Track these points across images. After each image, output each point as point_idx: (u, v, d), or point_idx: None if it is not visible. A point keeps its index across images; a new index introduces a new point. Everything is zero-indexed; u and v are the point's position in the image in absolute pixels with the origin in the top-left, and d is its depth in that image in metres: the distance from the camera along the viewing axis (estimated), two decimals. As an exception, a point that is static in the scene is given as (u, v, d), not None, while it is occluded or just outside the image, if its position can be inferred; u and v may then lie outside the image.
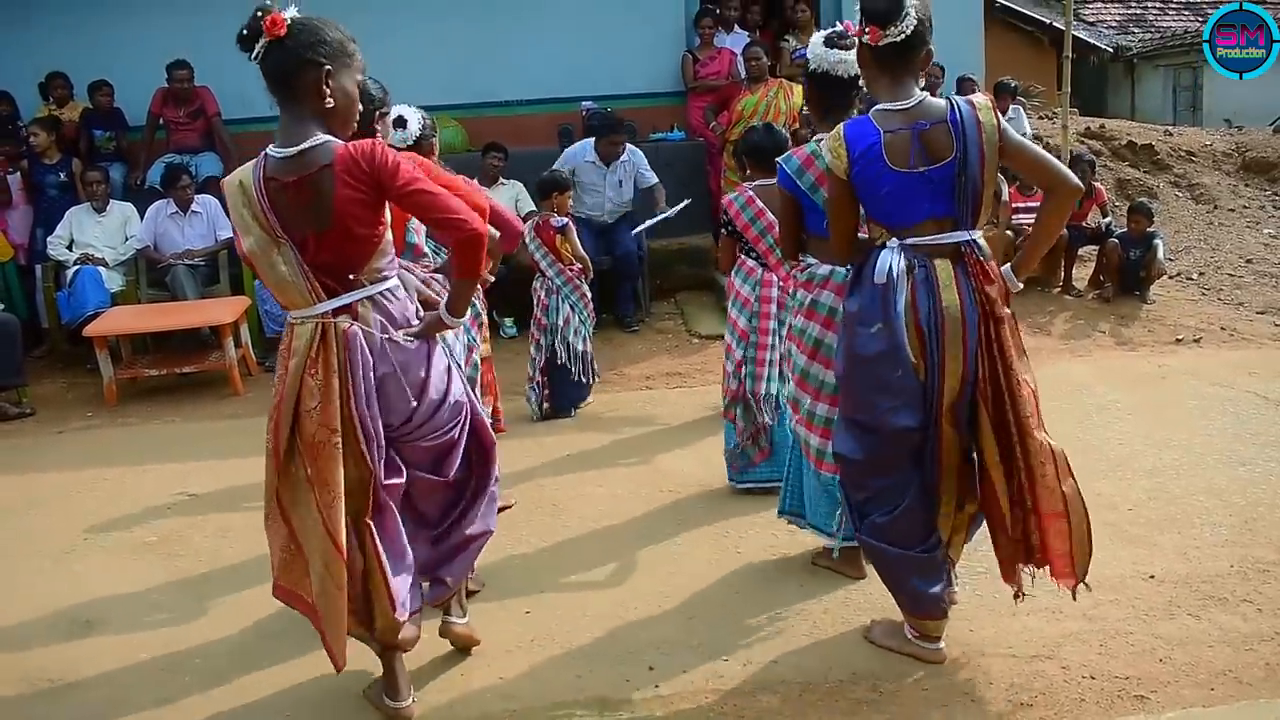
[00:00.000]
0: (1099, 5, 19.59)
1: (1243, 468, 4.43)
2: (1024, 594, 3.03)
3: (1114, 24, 19.28)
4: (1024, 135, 8.61)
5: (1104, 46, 17.76)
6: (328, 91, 2.48)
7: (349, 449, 2.55)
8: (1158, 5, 20.01)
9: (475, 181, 3.67)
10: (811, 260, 3.43)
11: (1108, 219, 7.90)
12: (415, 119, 3.74)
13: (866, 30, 2.71)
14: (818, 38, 3.35)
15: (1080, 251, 7.88)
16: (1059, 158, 9.04)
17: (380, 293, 2.61)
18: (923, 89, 2.81)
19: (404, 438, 2.69)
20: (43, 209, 7.57)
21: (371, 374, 2.56)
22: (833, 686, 2.94)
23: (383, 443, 2.61)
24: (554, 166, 6.55)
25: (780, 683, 2.97)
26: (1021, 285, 2.92)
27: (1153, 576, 3.49)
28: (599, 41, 8.43)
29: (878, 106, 2.77)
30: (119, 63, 7.96)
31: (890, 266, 2.73)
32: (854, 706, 2.84)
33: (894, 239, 2.77)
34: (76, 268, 7.02)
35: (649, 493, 4.50)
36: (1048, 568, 2.93)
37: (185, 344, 7.03)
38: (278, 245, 2.51)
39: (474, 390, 3.35)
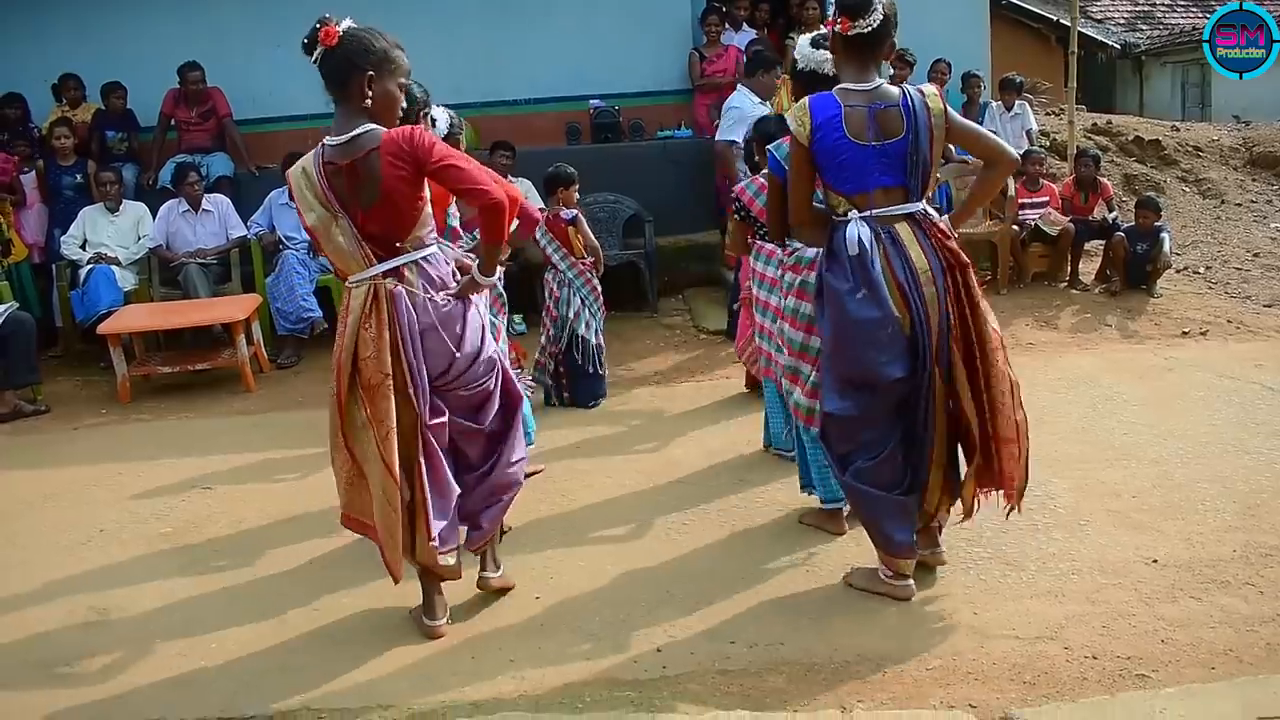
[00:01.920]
0: (1107, 2, 19.58)
1: (1248, 456, 4.45)
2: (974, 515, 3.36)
3: (1122, 21, 19.26)
4: (1030, 131, 8.67)
5: (1112, 44, 17.74)
6: (369, 93, 2.92)
7: (399, 395, 2.98)
8: (1166, 2, 19.98)
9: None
10: (798, 245, 3.72)
11: (1114, 213, 7.91)
12: (444, 118, 3.94)
13: (839, 20, 3.10)
14: (805, 39, 3.70)
15: (1086, 245, 7.89)
16: (1065, 153, 9.09)
17: (422, 258, 3.04)
18: (889, 78, 3.29)
19: (445, 387, 3.09)
20: (59, 209, 7.64)
21: (416, 327, 2.98)
22: (838, 667, 2.98)
23: (427, 388, 3.03)
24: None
25: (786, 663, 3.02)
26: (956, 234, 3.25)
27: (1156, 561, 3.53)
28: (606, 40, 8.46)
29: (840, 85, 3.14)
30: (130, 64, 8.03)
31: (859, 236, 3.07)
32: (859, 687, 2.89)
33: (853, 210, 3.10)
34: (90, 267, 7.09)
35: (656, 482, 4.55)
36: (998, 490, 3.27)
37: (198, 341, 7.10)
38: (335, 219, 2.95)
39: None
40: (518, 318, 7.34)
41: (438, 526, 3.08)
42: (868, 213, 3.10)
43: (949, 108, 3.17)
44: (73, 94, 8.07)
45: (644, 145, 8.28)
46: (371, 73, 2.91)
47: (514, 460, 3.29)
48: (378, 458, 2.98)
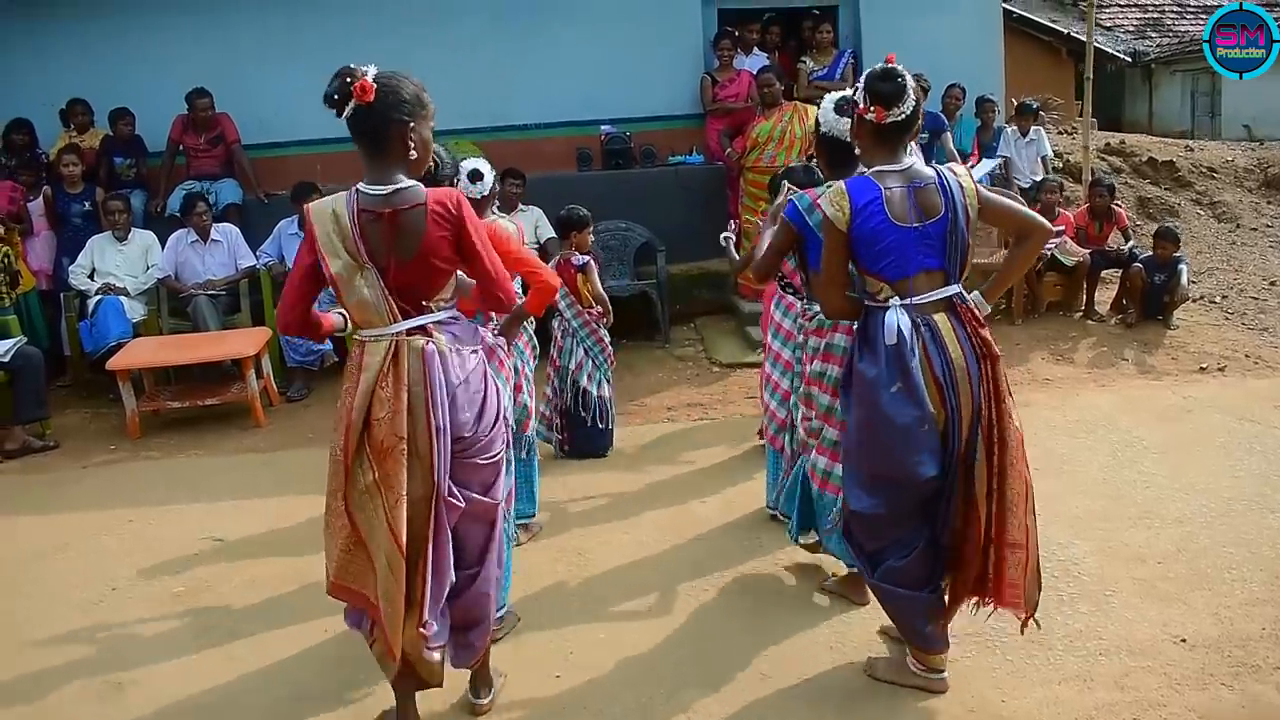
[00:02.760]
0: (1115, 10, 19.45)
1: (1272, 515, 4.41)
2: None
3: (1131, 29, 19.13)
4: (1045, 157, 8.60)
5: (1121, 55, 17.62)
6: (412, 144, 2.80)
7: (418, 461, 2.81)
8: (1175, 9, 19.85)
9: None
10: (816, 307, 3.65)
11: (1130, 242, 7.85)
12: (489, 173, 3.96)
13: (872, 109, 2.94)
14: (829, 102, 3.55)
15: (1101, 275, 7.83)
16: (1079, 176, 9.02)
17: (449, 316, 2.93)
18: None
19: (463, 454, 2.90)
20: (67, 237, 7.60)
21: (447, 389, 2.84)
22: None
23: (449, 457, 2.85)
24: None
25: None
26: (990, 308, 3.15)
27: (1184, 640, 3.48)
28: (617, 64, 8.40)
29: (877, 168, 3.01)
30: (138, 89, 7.99)
31: (899, 326, 2.94)
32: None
33: (895, 298, 2.97)
34: (99, 298, 7.05)
35: (674, 539, 4.50)
36: (990, 601, 3.12)
37: (207, 374, 7.05)
38: (362, 270, 2.78)
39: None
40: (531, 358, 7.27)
41: (433, 613, 2.88)
42: (908, 300, 2.97)
43: (979, 185, 3.10)
44: (80, 119, 8.01)
45: (656, 171, 8.22)
46: (412, 123, 2.78)
47: (496, 570, 3.11)
48: (384, 526, 2.79)
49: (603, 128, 8.36)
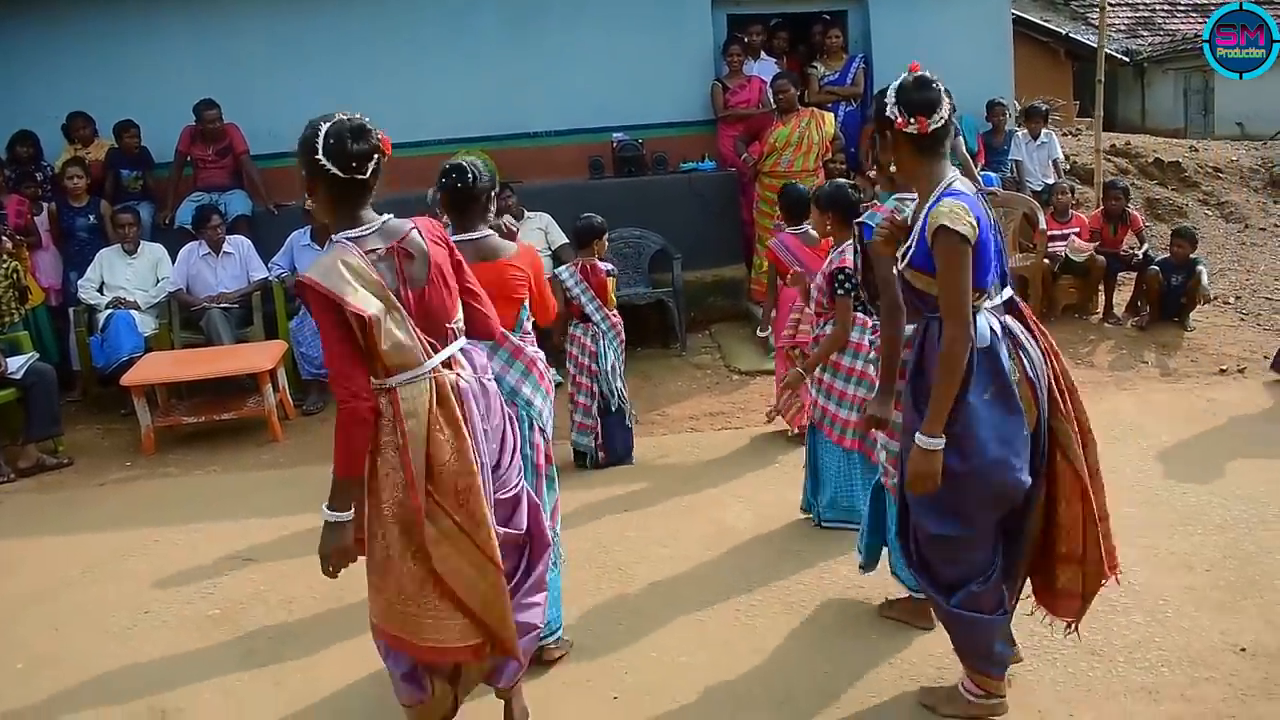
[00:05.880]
0: (1108, 9, 19.50)
1: (1312, 520, 4.40)
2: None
3: (1123, 27, 19.22)
4: (1055, 160, 8.60)
5: (1118, 55, 17.68)
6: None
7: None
8: (1165, 8, 19.95)
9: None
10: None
11: (1144, 245, 7.85)
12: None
13: (914, 121, 2.81)
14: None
15: (1118, 277, 7.82)
16: (1091, 180, 9.02)
17: (466, 343, 2.84)
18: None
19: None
20: (73, 251, 7.50)
21: (480, 424, 2.76)
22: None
23: (492, 492, 2.80)
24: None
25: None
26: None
27: (1244, 649, 3.45)
28: (628, 71, 8.34)
29: (950, 179, 2.86)
30: (143, 101, 7.89)
31: (987, 330, 2.85)
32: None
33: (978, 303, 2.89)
34: (109, 312, 6.96)
35: (712, 552, 4.46)
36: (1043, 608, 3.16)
37: (222, 387, 6.96)
38: (392, 310, 2.64)
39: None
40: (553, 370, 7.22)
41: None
42: (988, 304, 2.90)
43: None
44: (82, 133, 7.90)
45: (668, 178, 8.16)
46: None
47: (535, 590, 3.01)
48: (479, 558, 2.69)
49: (614, 135, 8.30)
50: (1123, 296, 7.85)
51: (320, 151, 2.58)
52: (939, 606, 3.08)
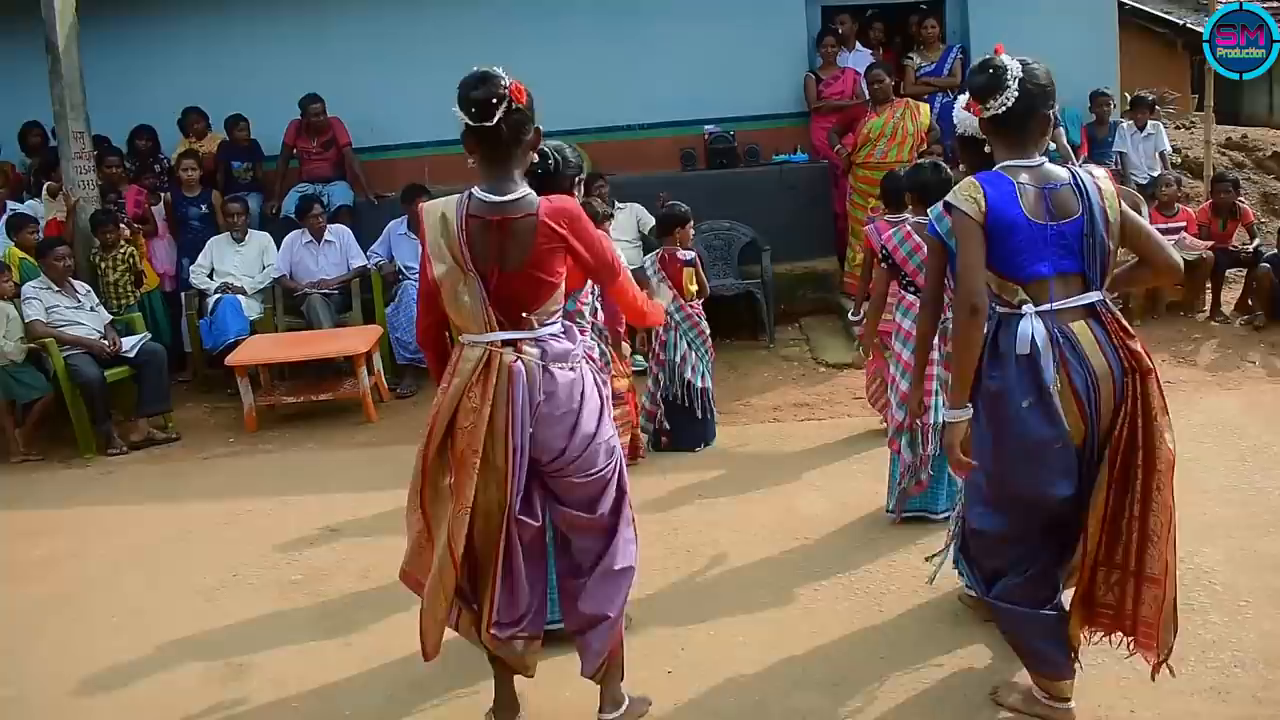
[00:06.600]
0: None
1: None
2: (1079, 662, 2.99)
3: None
4: (1163, 152, 8.30)
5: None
6: (532, 145, 2.78)
7: (493, 473, 2.74)
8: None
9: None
10: (948, 315, 3.41)
11: (1256, 240, 7.52)
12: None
13: (969, 104, 2.90)
14: (962, 101, 3.35)
15: (1226, 274, 7.51)
16: (1200, 172, 8.68)
17: (547, 334, 2.81)
18: (1045, 153, 2.84)
19: (559, 472, 2.84)
20: (186, 239, 7.91)
21: (529, 410, 2.74)
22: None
23: (524, 478, 2.79)
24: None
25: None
26: None
27: (1327, 654, 3.30)
28: (721, 63, 8.35)
29: (1006, 163, 2.82)
30: (253, 96, 8.25)
31: (1032, 336, 2.72)
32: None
33: (1028, 305, 2.75)
34: (218, 296, 7.31)
35: (783, 540, 4.44)
36: (1128, 638, 2.93)
37: (320, 370, 7.24)
38: (465, 276, 2.71)
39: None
40: (638, 357, 7.26)
41: (506, 615, 2.88)
42: (1045, 306, 2.73)
43: (1123, 202, 2.82)
44: (197, 127, 8.32)
45: (760, 170, 8.15)
46: (539, 126, 2.76)
47: (619, 568, 2.95)
48: (444, 537, 2.79)
49: (706, 127, 8.33)
50: (1232, 294, 7.53)
51: (456, 99, 2.67)
52: (980, 594, 3.07)
